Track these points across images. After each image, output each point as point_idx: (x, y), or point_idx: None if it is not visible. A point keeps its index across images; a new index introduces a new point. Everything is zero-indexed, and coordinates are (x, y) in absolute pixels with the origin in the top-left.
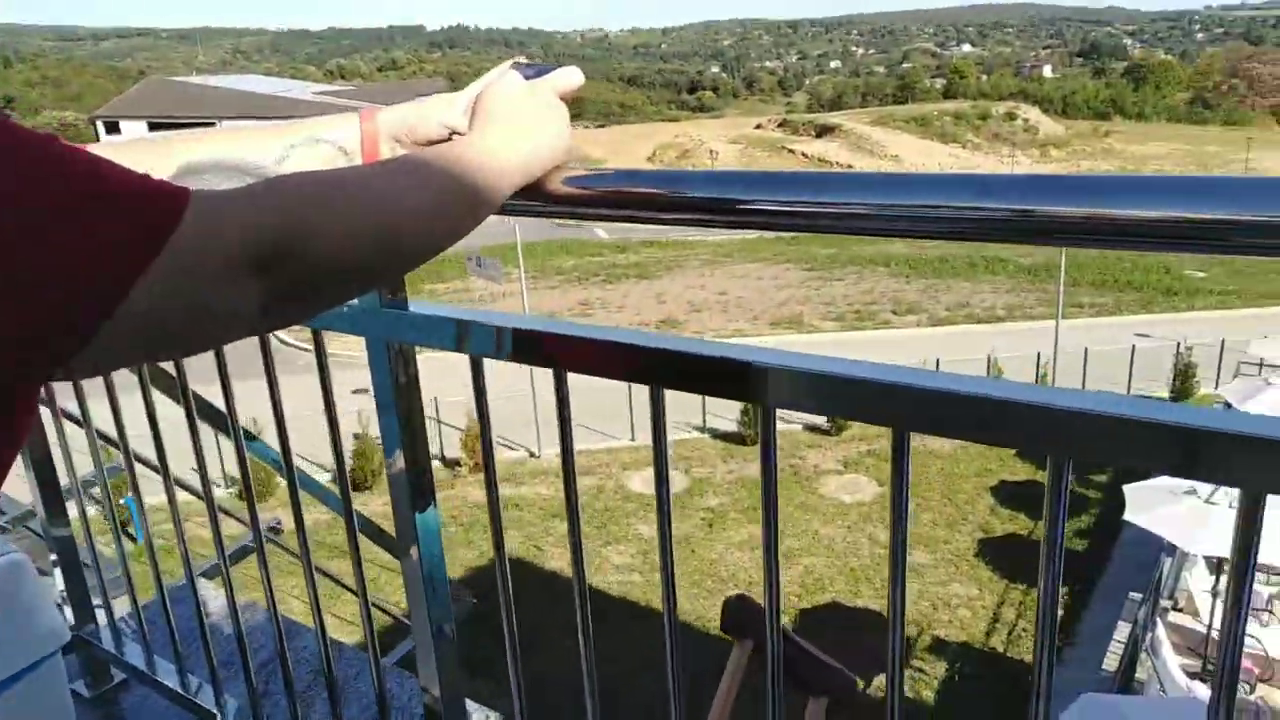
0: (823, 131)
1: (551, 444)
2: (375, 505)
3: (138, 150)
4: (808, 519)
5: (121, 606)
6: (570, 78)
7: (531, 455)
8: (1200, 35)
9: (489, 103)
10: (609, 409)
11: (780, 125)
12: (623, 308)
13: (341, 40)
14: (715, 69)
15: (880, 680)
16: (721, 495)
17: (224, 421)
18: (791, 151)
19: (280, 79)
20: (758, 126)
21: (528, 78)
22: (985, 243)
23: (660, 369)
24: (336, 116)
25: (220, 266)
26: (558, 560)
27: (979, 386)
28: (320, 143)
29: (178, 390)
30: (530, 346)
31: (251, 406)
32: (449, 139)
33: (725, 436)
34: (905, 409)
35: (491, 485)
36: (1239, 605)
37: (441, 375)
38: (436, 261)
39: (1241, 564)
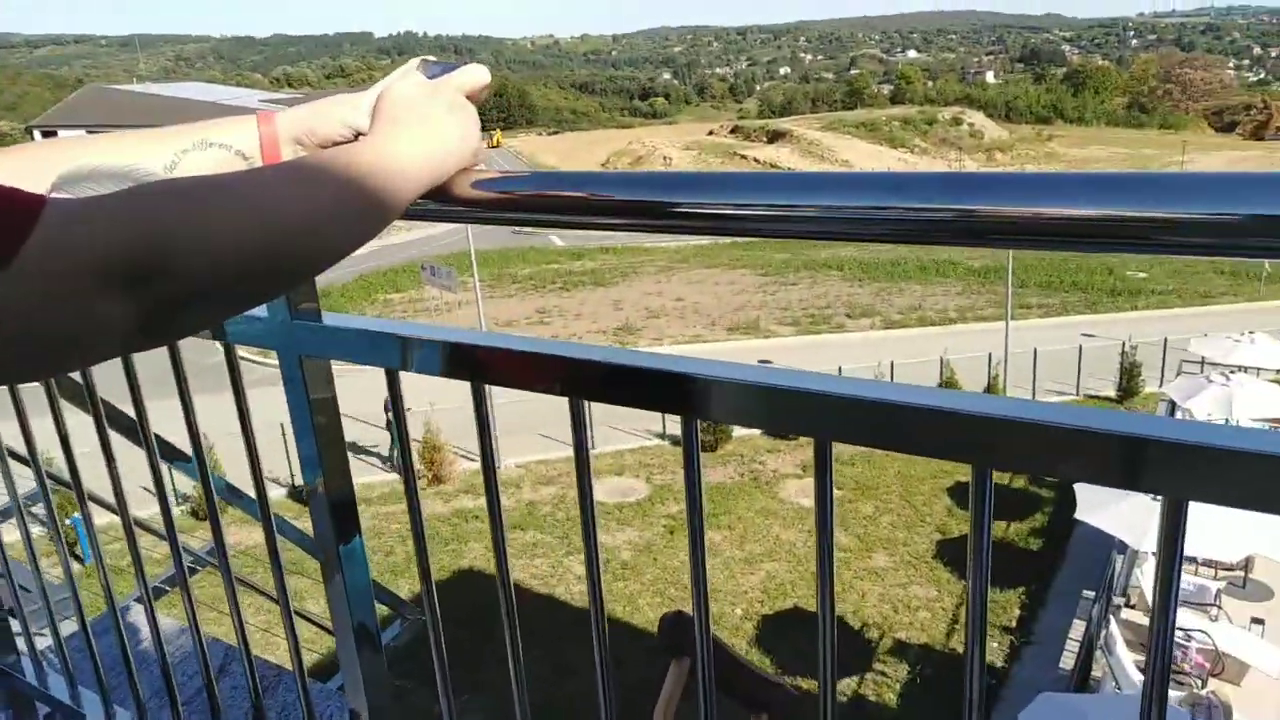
0: (774, 137)
1: (511, 454)
2: None
3: (17, 157)
4: (768, 524)
5: (57, 634)
6: (476, 75)
7: None
8: (1135, 42)
9: (389, 103)
10: (567, 417)
11: (732, 131)
12: (580, 315)
13: (288, 47)
14: (667, 75)
15: (843, 685)
16: (682, 501)
17: (152, 438)
18: (744, 157)
19: (225, 87)
20: (710, 133)
21: (434, 76)
22: (910, 245)
23: (580, 380)
24: (233, 119)
25: (80, 280)
26: (520, 571)
27: (901, 394)
28: (214, 146)
29: (89, 402)
30: (447, 358)
31: (203, 424)
32: (354, 140)
33: None
34: (827, 418)
35: (413, 499)
36: (1166, 610)
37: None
38: (391, 270)
39: (1168, 570)
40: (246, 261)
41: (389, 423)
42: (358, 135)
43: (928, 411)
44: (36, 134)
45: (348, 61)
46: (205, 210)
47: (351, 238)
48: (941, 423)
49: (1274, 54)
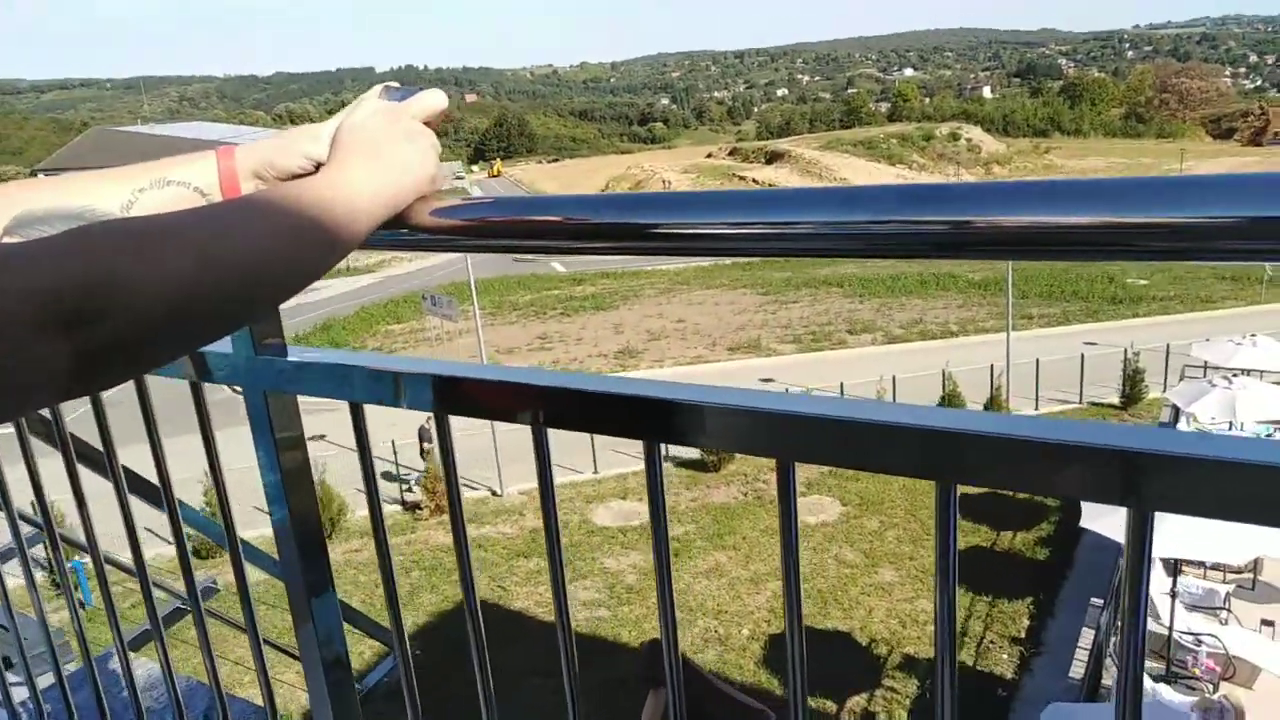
0: (772, 158)
1: (513, 482)
2: (333, 554)
3: None
4: (773, 543)
5: (33, 685)
6: (432, 101)
7: (494, 494)
8: (1130, 53)
9: (345, 133)
10: (570, 442)
11: (731, 153)
12: (581, 340)
13: (290, 84)
14: (665, 101)
15: (852, 702)
16: (686, 524)
17: (121, 476)
18: (742, 179)
19: (229, 125)
20: (709, 155)
21: (396, 102)
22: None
23: (544, 407)
24: (192, 155)
25: (20, 321)
26: (523, 600)
27: (860, 411)
28: (172, 184)
29: (57, 439)
30: (412, 390)
31: (195, 462)
32: (314, 172)
33: (688, 464)
34: (789, 439)
35: (379, 535)
36: (1136, 626)
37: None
38: (392, 301)
39: (1135, 586)
40: (194, 300)
41: (423, 452)
42: (318, 166)
43: (888, 428)
44: (41, 176)
45: (349, 96)
46: (150, 251)
47: (306, 271)
48: (902, 439)
49: (1270, 61)
